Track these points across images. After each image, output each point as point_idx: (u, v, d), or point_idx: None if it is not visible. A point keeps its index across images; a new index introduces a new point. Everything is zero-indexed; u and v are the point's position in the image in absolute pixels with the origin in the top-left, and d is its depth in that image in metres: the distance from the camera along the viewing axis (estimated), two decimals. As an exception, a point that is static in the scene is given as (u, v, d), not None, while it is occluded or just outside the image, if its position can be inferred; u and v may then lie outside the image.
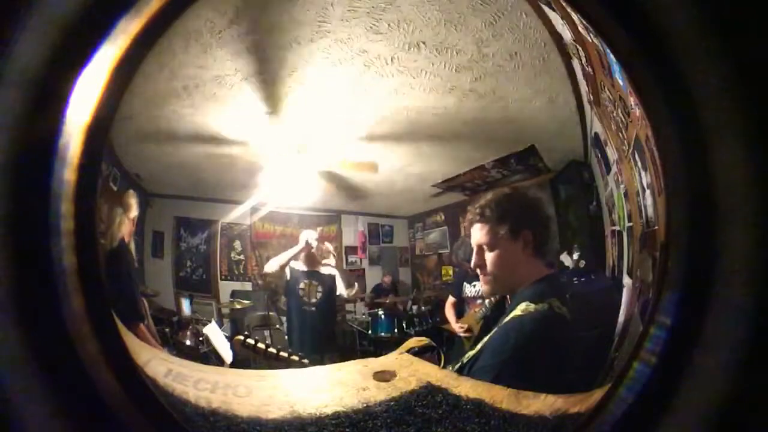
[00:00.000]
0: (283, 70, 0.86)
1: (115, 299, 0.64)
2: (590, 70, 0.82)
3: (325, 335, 1.11)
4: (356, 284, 1.10)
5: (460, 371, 0.89)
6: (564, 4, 0.74)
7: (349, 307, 1.12)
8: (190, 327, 0.98)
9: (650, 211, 0.75)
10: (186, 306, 0.99)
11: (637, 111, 0.70)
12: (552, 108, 0.92)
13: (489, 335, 0.91)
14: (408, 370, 0.89)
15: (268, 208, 0.96)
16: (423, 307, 1.12)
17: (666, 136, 0.59)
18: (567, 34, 0.83)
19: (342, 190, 1.00)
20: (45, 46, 0.53)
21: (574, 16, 0.76)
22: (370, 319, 1.10)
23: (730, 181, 0.55)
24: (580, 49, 0.82)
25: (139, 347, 0.74)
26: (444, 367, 0.93)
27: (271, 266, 1.03)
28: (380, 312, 1.11)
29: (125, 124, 0.74)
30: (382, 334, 1.10)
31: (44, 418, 0.54)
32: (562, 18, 0.81)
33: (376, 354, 0.97)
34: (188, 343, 0.98)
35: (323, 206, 1.04)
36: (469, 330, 1.04)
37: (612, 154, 0.85)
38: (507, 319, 0.89)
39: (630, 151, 0.78)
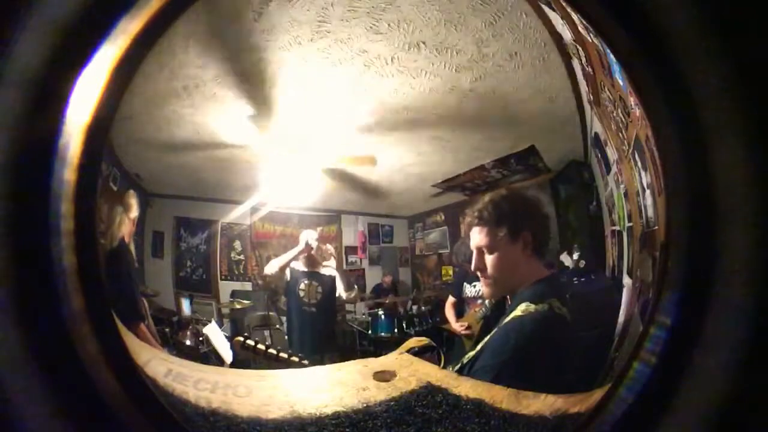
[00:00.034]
0: (283, 70, 0.86)
1: (115, 299, 0.64)
2: (590, 70, 0.82)
3: (325, 335, 1.11)
4: (356, 287, 1.10)
5: (460, 371, 0.89)
6: (564, 4, 0.74)
7: (349, 307, 1.12)
8: (190, 327, 0.98)
9: (650, 211, 0.75)
10: (186, 306, 0.99)
11: (637, 111, 0.70)
12: (552, 108, 0.92)
13: (489, 335, 0.91)
14: (408, 370, 0.89)
15: (268, 208, 0.96)
16: (423, 307, 1.12)
17: (666, 136, 0.59)
18: (567, 34, 0.83)
19: (344, 186, 1.00)
20: (45, 46, 0.53)
21: (574, 16, 0.76)
22: (370, 319, 1.11)
23: (730, 181, 0.55)
24: (580, 49, 0.82)
25: (139, 347, 0.74)
26: (444, 367, 0.93)
27: (271, 268, 1.03)
28: (380, 312, 1.11)
29: (125, 124, 0.74)
30: (382, 334, 1.10)
31: (44, 418, 0.53)
32: (562, 18, 0.81)
33: (376, 354, 0.97)
34: (188, 343, 0.98)
35: (323, 206, 1.04)
36: (469, 328, 1.04)
37: (612, 154, 0.85)
38: (507, 319, 0.89)
39: (630, 151, 0.78)
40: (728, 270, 0.55)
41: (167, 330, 0.94)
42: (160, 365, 0.79)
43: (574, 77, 0.86)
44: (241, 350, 0.95)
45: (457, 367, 0.91)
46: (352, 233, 1.10)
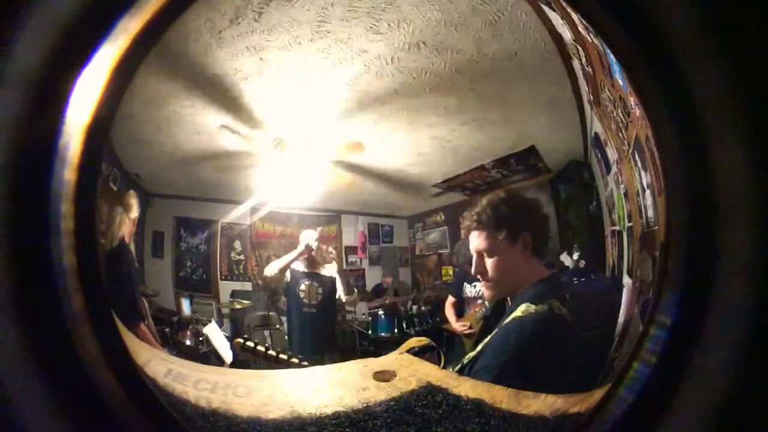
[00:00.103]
0: (283, 70, 0.86)
1: (115, 299, 0.64)
2: (590, 70, 0.82)
3: (325, 336, 1.11)
4: (355, 290, 1.10)
5: (461, 372, 0.89)
6: (564, 4, 0.74)
7: (349, 307, 1.12)
8: (190, 327, 0.98)
9: (650, 211, 0.75)
10: (186, 306, 0.99)
11: (637, 111, 0.70)
12: (552, 108, 0.92)
13: (489, 336, 0.91)
14: (408, 370, 0.89)
15: (268, 208, 0.96)
16: (423, 307, 1.12)
17: (666, 136, 0.59)
18: (567, 34, 0.83)
19: (343, 186, 1.00)
20: (45, 46, 0.53)
21: (574, 16, 0.76)
22: (370, 319, 1.10)
23: (730, 181, 0.55)
24: (580, 49, 0.82)
25: (139, 347, 0.74)
26: (444, 367, 0.93)
27: (270, 269, 1.03)
28: (380, 312, 1.11)
29: (125, 124, 0.74)
30: (382, 334, 1.10)
31: (44, 418, 0.53)
32: (562, 18, 0.81)
33: (376, 354, 0.97)
34: (188, 343, 0.98)
35: (323, 206, 1.04)
36: (470, 328, 1.04)
37: (612, 154, 0.85)
38: (507, 320, 0.89)
39: (630, 151, 0.78)
40: (728, 270, 0.55)
41: (167, 330, 0.94)
42: (160, 365, 0.79)
43: (574, 77, 0.86)
44: (241, 352, 0.95)
45: (457, 368, 0.91)
46: (352, 233, 1.10)
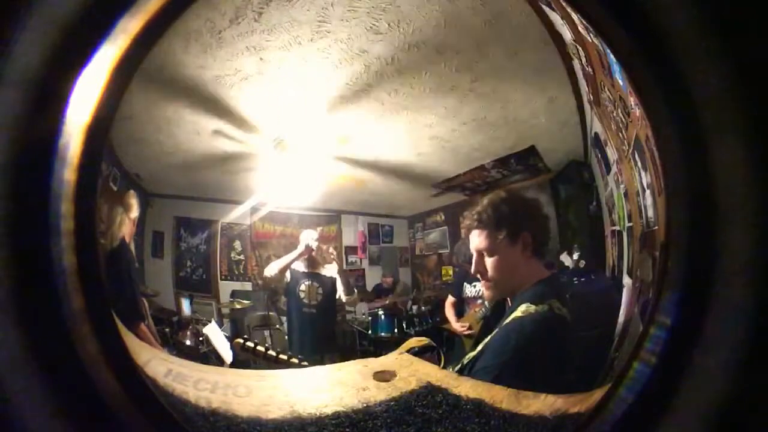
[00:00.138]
0: (283, 70, 0.86)
1: (115, 299, 0.64)
2: (590, 70, 0.82)
3: (325, 336, 1.10)
4: (355, 291, 1.10)
5: (461, 372, 0.89)
6: (564, 4, 0.74)
7: (349, 307, 1.12)
8: (190, 327, 0.98)
9: (650, 211, 0.75)
10: (186, 306, 0.99)
11: (637, 111, 0.70)
12: (552, 108, 0.92)
13: (490, 336, 0.91)
14: (408, 370, 0.89)
15: (268, 208, 0.96)
16: (423, 307, 1.12)
17: (666, 136, 0.59)
18: (567, 34, 0.83)
19: (343, 186, 1.00)
20: (45, 46, 0.53)
21: (574, 16, 0.76)
22: (370, 319, 1.10)
23: (730, 181, 0.55)
24: (580, 49, 0.82)
25: (139, 347, 0.74)
26: (444, 367, 0.93)
27: (270, 270, 1.03)
28: (380, 312, 1.11)
29: (125, 124, 0.74)
30: (382, 334, 1.10)
31: (44, 418, 0.53)
32: (562, 18, 0.81)
33: (376, 354, 0.97)
34: (188, 343, 0.98)
35: (323, 206, 1.04)
36: (470, 328, 1.04)
37: (612, 154, 0.85)
38: (507, 320, 0.89)
39: (630, 151, 0.78)
40: (728, 270, 0.55)
41: (167, 330, 0.94)
42: (160, 365, 0.79)
43: (574, 77, 0.86)
44: (241, 352, 0.95)
45: (457, 368, 0.91)
46: (352, 233, 1.10)
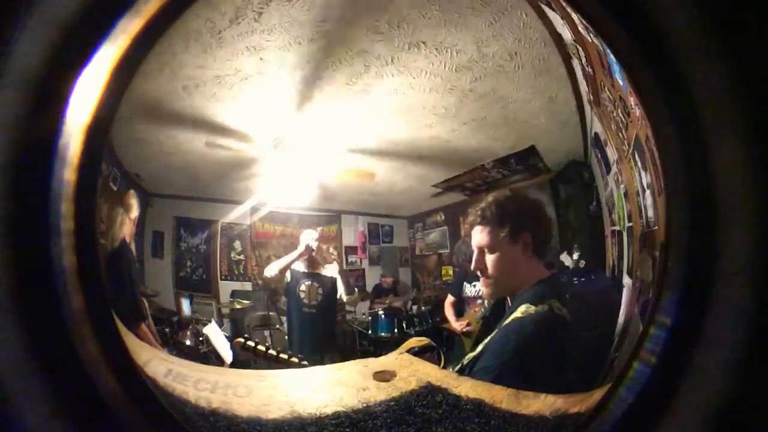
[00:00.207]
0: (283, 70, 0.86)
1: (115, 299, 0.64)
2: (590, 70, 0.82)
3: (325, 337, 1.10)
4: (356, 290, 1.10)
5: (461, 372, 0.89)
6: (564, 4, 0.74)
7: (349, 307, 1.12)
8: (190, 327, 0.98)
9: (650, 211, 0.75)
10: (186, 306, 0.99)
11: (637, 111, 0.70)
12: (552, 108, 0.92)
13: (489, 337, 0.91)
14: (408, 370, 0.89)
15: (268, 208, 0.96)
16: (423, 307, 1.12)
17: (666, 136, 0.59)
18: (567, 34, 0.83)
19: (339, 191, 1.00)
20: (45, 46, 0.53)
21: (574, 16, 0.76)
22: (370, 319, 1.10)
23: (730, 181, 0.55)
24: (580, 49, 0.82)
25: (139, 347, 0.74)
26: (444, 367, 0.93)
27: (270, 270, 1.03)
28: (380, 312, 1.11)
29: (125, 124, 0.74)
30: (382, 334, 1.10)
31: (44, 418, 0.53)
32: (562, 18, 0.81)
33: (376, 354, 0.97)
34: (188, 343, 0.98)
35: (323, 206, 1.04)
36: (469, 325, 1.04)
37: (612, 154, 0.85)
38: (507, 320, 0.89)
39: (630, 151, 0.78)
40: (728, 270, 0.55)
41: (167, 330, 0.94)
42: (160, 365, 0.79)
43: (574, 77, 0.86)
44: (242, 351, 0.95)
45: (457, 368, 0.91)
46: (352, 233, 1.10)
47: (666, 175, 0.62)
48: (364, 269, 1.12)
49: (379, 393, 0.82)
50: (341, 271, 1.09)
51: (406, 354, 0.95)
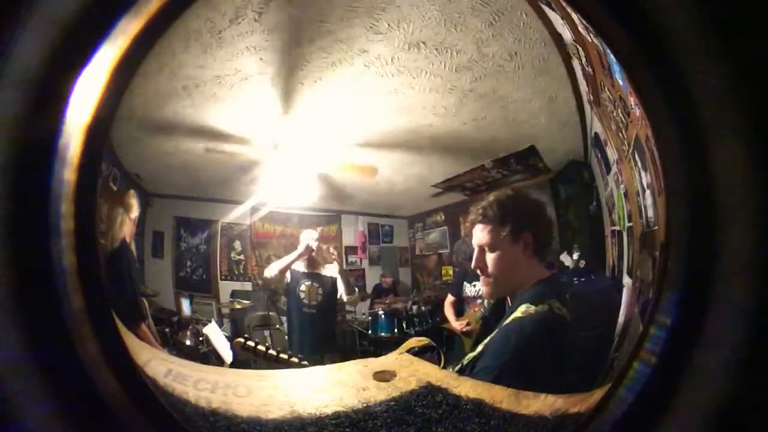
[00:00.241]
0: (283, 70, 0.86)
1: (115, 299, 0.64)
2: (590, 70, 0.82)
3: (325, 337, 1.10)
4: (356, 290, 1.10)
5: (461, 372, 0.89)
6: (564, 4, 0.74)
7: (349, 307, 1.12)
8: (190, 327, 0.98)
9: (650, 211, 0.75)
10: (186, 306, 0.99)
11: (637, 111, 0.70)
12: (552, 108, 0.92)
13: (489, 337, 0.91)
14: (408, 370, 0.89)
15: (268, 208, 0.96)
16: (423, 307, 1.12)
17: (666, 136, 0.59)
18: (567, 34, 0.83)
19: (339, 191, 1.00)
20: (45, 46, 0.53)
21: (574, 16, 0.76)
22: (370, 319, 1.10)
23: (730, 181, 0.55)
24: (580, 49, 0.82)
25: (139, 347, 0.74)
26: (444, 367, 0.93)
27: (270, 271, 1.03)
28: (380, 312, 1.11)
29: (125, 124, 0.74)
30: (382, 334, 1.10)
31: (44, 419, 0.53)
32: (562, 18, 0.81)
33: (376, 354, 0.96)
34: (188, 343, 0.98)
35: (323, 206, 1.04)
36: (469, 325, 1.04)
37: (612, 154, 0.85)
38: (507, 320, 0.89)
39: (630, 151, 0.78)
40: (728, 270, 0.55)
41: (167, 330, 0.94)
42: (160, 365, 0.79)
43: (574, 77, 0.86)
44: (242, 351, 0.95)
45: (457, 368, 0.91)
46: (352, 233, 1.10)
47: (666, 175, 0.62)
48: (364, 269, 1.12)
49: (379, 393, 0.82)
50: (341, 271, 1.09)
51: (406, 354, 0.95)
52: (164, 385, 0.73)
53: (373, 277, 1.12)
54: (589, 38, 0.77)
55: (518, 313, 0.88)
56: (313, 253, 1.03)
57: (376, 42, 0.83)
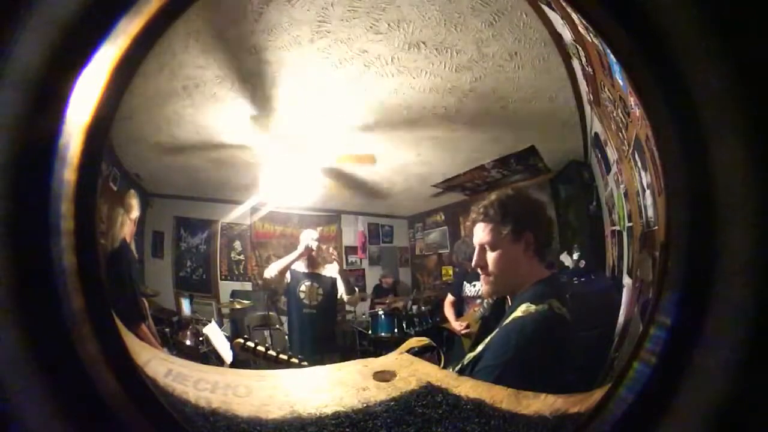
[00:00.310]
0: (283, 70, 0.86)
1: (115, 299, 0.64)
2: (590, 70, 0.82)
3: (325, 337, 1.11)
4: (356, 290, 1.10)
5: (461, 372, 0.89)
6: (564, 4, 0.74)
7: (349, 307, 1.12)
8: (190, 327, 0.98)
9: (650, 211, 0.75)
10: (186, 306, 0.99)
11: (637, 111, 0.70)
12: (552, 108, 0.92)
13: (490, 336, 0.91)
14: (408, 370, 0.89)
15: (268, 208, 0.96)
16: (423, 307, 1.12)
17: (666, 136, 0.59)
18: (567, 34, 0.83)
19: (343, 186, 1.00)
20: (45, 46, 0.53)
21: (574, 16, 0.76)
22: (370, 319, 1.11)
23: (730, 181, 0.55)
24: (580, 49, 0.82)
25: (139, 347, 0.74)
26: (444, 367, 0.93)
27: (270, 271, 1.03)
28: (380, 312, 1.11)
29: (125, 124, 0.74)
30: (382, 334, 1.10)
31: (44, 419, 0.53)
32: (562, 18, 0.81)
33: (376, 354, 0.97)
34: (188, 343, 0.98)
35: (323, 206, 1.04)
36: (468, 327, 1.04)
37: (612, 154, 0.85)
38: (508, 320, 0.89)
39: (630, 151, 0.78)
40: (728, 270, 0.55)
41: (167, 330, 0.94)
42: (160, 365, 0.79)
43: (574, 77, 0.86)
44: (241, 352, 0.95)
45: (457, 368, 0.91)
46: (352, 233, 1.10)
47: (666, 175, 0.62)
48: (364, 269, 1.12)
49: (379, 393, 0.82)
50: (341, 271, 1.09)
51: (406, 354, 0.95)
52: (164, 385, 0.73)
53: (373, 277, 1.12)
54: (589, 38, 0.77)
55: (519, 312, 0.88)
56: (313, 253, 1.03)
57: (376, 42, 0.83)
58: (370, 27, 0.81)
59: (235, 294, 1.04)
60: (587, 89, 0.86)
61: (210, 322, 1.00)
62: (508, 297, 0.94)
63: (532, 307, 0.88)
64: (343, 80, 0.87)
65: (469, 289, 1.06)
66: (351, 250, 1.11)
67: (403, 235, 1.12)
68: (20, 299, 0.53)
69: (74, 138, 0.55)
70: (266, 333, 1.04)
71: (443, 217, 1.08)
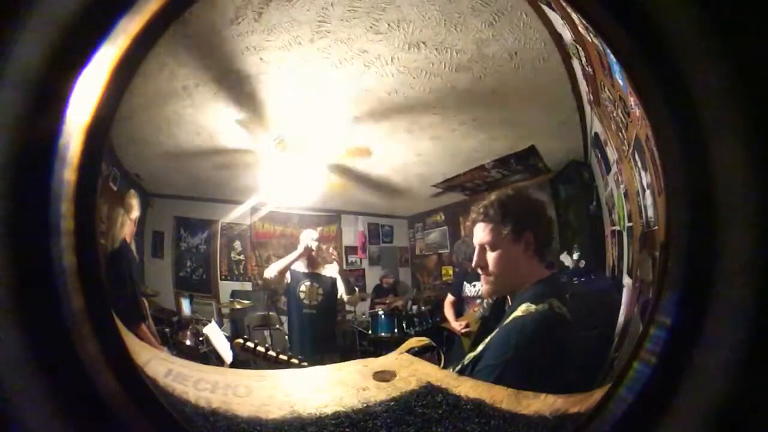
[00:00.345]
0: (284, 71, 0.86)
1: (115, 299, 0.64)
2: (590, 70, 0.82)
3: (325, 337, 1.11)
4: (356, 290, 1.10)
5: (461, 372, 0.89)
6: (564, 4, 0.74)
7: (349, 307, 1.12)
8: (190, 327, 0.98)
9: (650, 211, 0.75)
10: (186, 306, 0.99)
11: (637, 111, 0.70)
12: (552, 108, 0.92)
13: (490, 336, 0.91)
14: (408, 370, 0.89)
15: (268, 208, 0.96)
16: (423, 307, 1.12)
17: (666, 136, 0.59)
18: (567, 34, 0.83)
19: (347, 183, 1.00)
20: (45, 46, 0.53)
21: (574, 16, 0.76)
22: (370, 319, 1.11)
23: (730, 181, 0.55)
24: (580, 49, 0.82)
25: (139, 347, 0.74)
26: (444, 367, 0.93)
27: (270, 272, 1.03)
28: (380, 312, 1.11)
29: (125, 124, 0.74)
30: (382, 334, 1.10)
31: (44, 419, 0.53)
32: (562, 18, 0.81)
33: (376, 354, 0.97)
34: (188, 343, 0.98)
35: (323, 206, 1.04)
36: (468, 326, 1.04)
37: (612, 154, 0.85)
38: (508, 320, 0.89)
39: (630, 151, 0.78)
40: (728, 270, 0.55)
41: (167, 330, 0.94)
42: (160, 365, 0.79)
43: (574, 77, 0.86)
44: (241, 352, 0.95)
45: (457, 368, 0.91)
46: (352, 233, 1.10)
47: (666, 175, 0.62)
48: (364, 269, 1.12)
49: (379, 393, 0.82)
50: (341, 271, 1.09)
51: (406, 354, 0.95)
52: (164, 385, 0.73)
53: (373, 277, 1.12)
54: (589, 38, 0.77)
55: (519, 312, 0.88)
56: (313, 253, 1.03)
57: (376, 42, 0.83)
58: (370, 27, 0.81)
59: (235, 294, 1.04)
60: (587, 89, 0.86)
61: (210, 322, 1.00)
62: (508, 297, 0.94)
63: (533, 307, 0.88)
64: (343, 80, 0.87)
65: (469, 289, 1.06)
66: (351, 250, 1.11)
67: (403, 235, 1.12)
68: (20, 299, 0.53)
69: (74, 138, 0.55)
70: (266, 333, 1.04)
71: (443, 217, 1.08)
